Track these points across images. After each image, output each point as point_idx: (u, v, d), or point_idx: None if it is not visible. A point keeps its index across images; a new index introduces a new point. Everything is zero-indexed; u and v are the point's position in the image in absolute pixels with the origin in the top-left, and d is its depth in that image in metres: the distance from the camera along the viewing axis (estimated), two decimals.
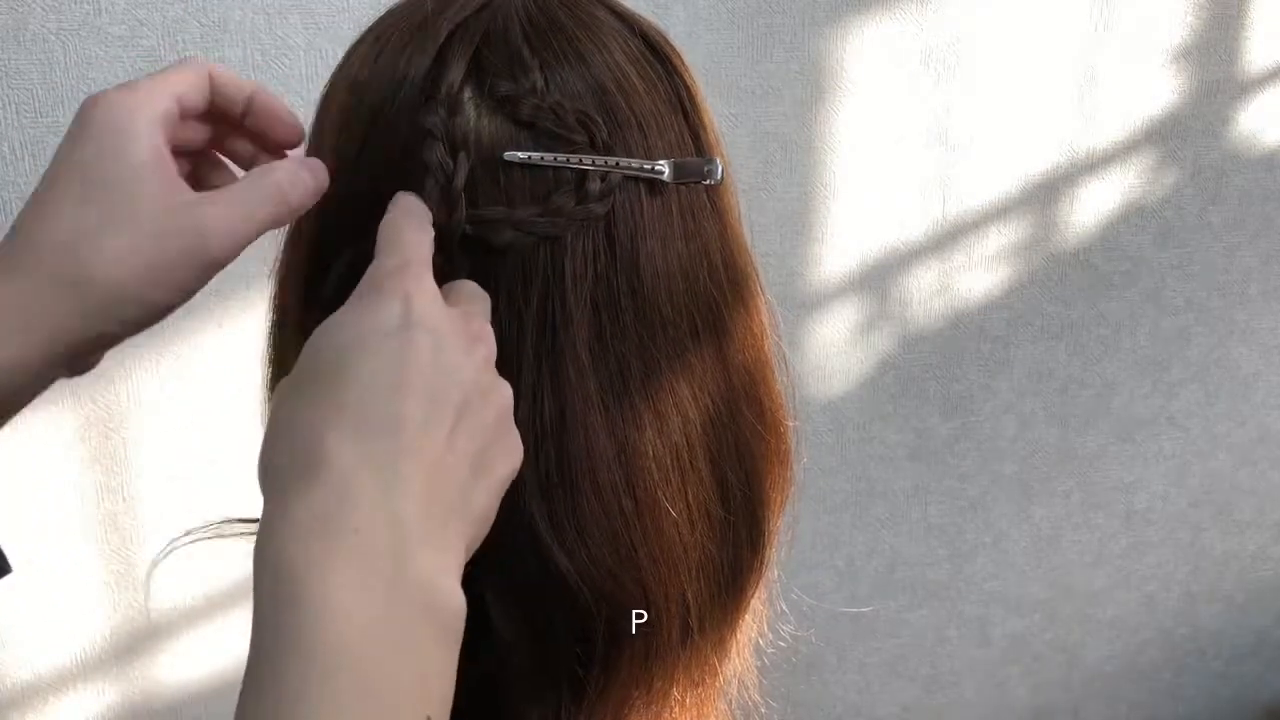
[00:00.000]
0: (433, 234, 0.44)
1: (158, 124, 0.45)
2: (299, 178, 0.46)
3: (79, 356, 0.45)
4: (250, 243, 0.46)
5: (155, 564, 0.53)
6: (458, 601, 0.37)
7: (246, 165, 0.51)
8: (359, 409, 0.38)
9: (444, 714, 0.36)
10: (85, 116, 0.45)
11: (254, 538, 0.37)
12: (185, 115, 0.47)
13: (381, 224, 0.44)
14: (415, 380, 0.39)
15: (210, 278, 0.45)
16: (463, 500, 0.39)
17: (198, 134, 0.50)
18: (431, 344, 0.40)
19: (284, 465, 0.38)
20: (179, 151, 0.48)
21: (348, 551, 0.35)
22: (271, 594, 0.35)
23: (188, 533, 0.54)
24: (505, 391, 0.43)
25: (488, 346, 0.43)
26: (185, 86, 0.47)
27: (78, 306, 0.42)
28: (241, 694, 0.35)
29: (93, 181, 0.43)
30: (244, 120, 0.50)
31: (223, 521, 0.55)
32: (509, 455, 0.42)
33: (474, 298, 0.44)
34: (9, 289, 0.42)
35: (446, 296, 0.43)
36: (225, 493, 1.10)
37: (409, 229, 0.44)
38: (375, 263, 0.43)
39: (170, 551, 0.53)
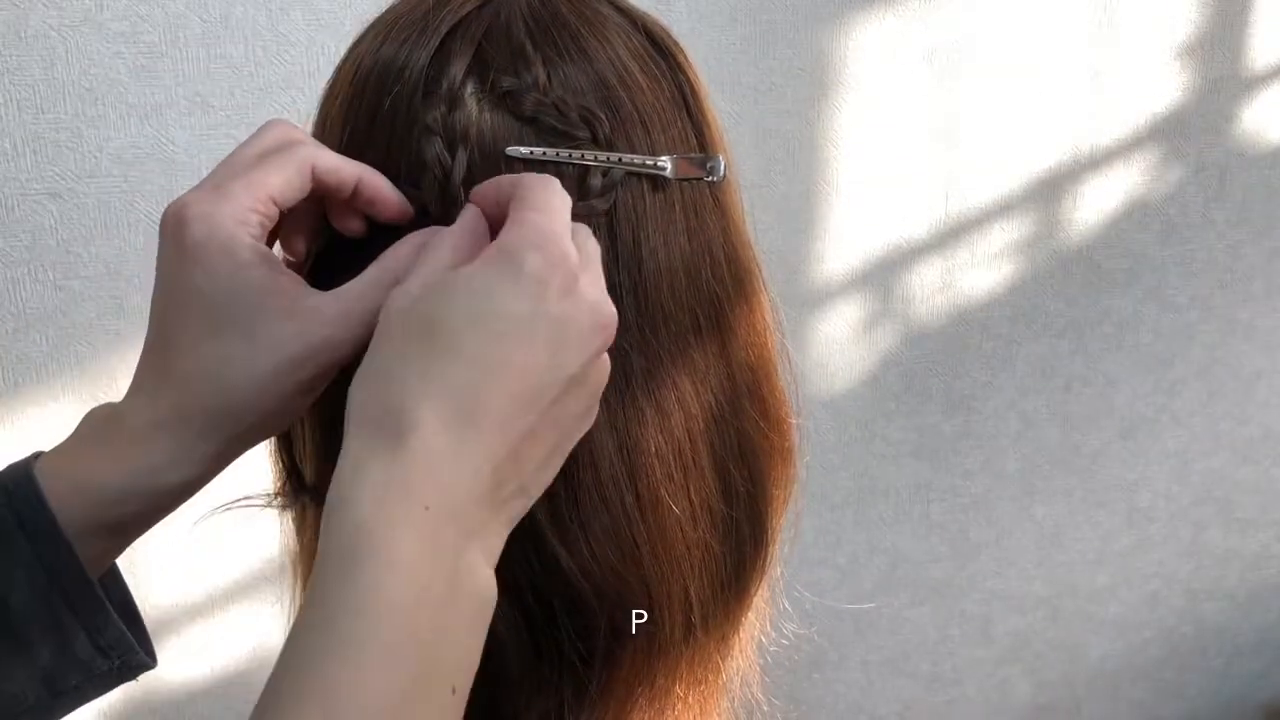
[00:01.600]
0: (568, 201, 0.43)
1: (260, 236, 0.44)
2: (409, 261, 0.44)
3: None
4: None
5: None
6: (493, 589, 0.40)
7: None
8: (461, 393, 0.39)
9: (467, 686, 0.39)
10: (183, 236, 0.43)
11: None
12: (282, 207, 0.45)
13: (514, 179, 0.43)
14: (525, 381, 0.40)
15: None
16: (530, 482, 0.42)
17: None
18: (551, 339, 0.40)
19: (376, 416, 0.39)
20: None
21: (419, 524, 0.37)
22: (341, 543, 0.37)
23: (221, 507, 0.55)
24: (602, 375, 0.43)
25: (606, 334, 0.42)
26: (281, 186, 0.44)
27: (234, 431, 0.44)
28: (293, 625, 0.37)
29: (220, 318, 0.43)
30: (349, 201, 0.47)
31: (235, 501, 0.56)
32: (584, 427, 0.44)
33: (592, 259, 0.43)
34: (173, 419, 0.43)
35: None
36: (226, 490, 1.10)
37: (553, 192, 0.42)
38: (516, 218, 0.41)
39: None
